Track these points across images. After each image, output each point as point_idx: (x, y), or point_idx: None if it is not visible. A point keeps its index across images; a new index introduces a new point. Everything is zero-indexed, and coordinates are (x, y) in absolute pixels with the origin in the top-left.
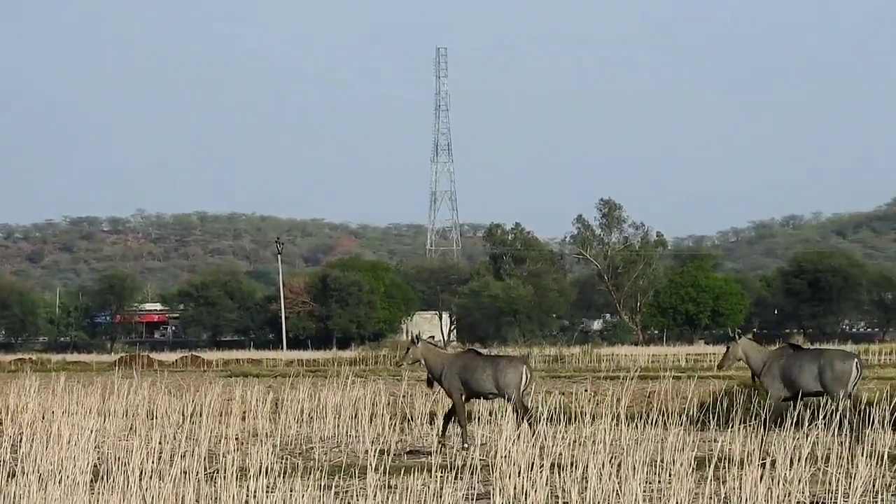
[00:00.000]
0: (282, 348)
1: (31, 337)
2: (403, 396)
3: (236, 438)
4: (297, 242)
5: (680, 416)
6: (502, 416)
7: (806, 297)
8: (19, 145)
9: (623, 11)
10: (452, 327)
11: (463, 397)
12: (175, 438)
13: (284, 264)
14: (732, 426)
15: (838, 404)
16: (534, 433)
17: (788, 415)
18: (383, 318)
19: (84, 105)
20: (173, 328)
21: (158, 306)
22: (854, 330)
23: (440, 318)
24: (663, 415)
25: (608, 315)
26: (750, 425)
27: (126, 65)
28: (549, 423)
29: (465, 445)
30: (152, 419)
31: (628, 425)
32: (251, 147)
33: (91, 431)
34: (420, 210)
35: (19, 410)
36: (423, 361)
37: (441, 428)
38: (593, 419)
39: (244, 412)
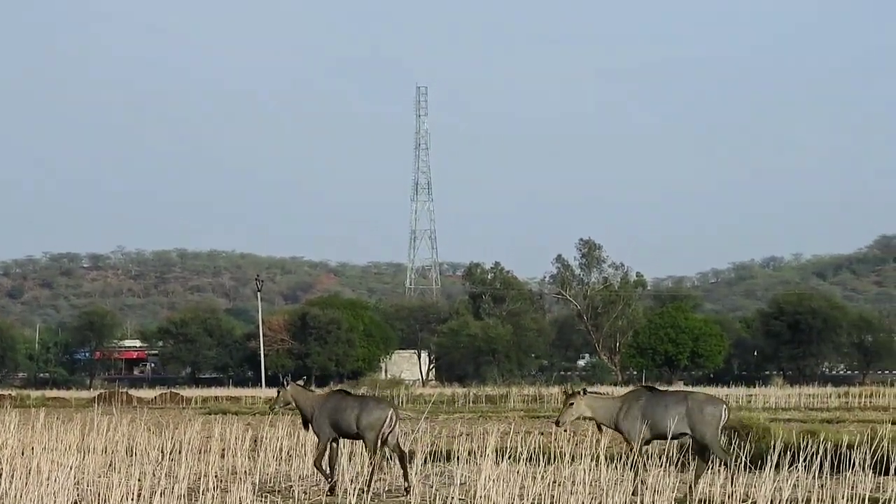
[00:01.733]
0: (261, 386)
1: (10, 373)
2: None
3: (216, 476)
4: (276, 280)
5: (660, 458)
6: (481, 456)
7: (786, 339)
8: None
9: (604, 55)
10: (431, 366)
11: (330, 439)
12: (154, 476)
13: (264, 302)
14: (713, 467)
15: (706, 448)
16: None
17: (768, 457)
18: (362, 357)
19: (63, 140)
20: (152, 365)
21: (138, 343)
22: (834, 372)
23: (419, 357)
24: (643, 456)
25: (588, 355)
26: (730, 467)
27: (105, 102)
28: (528, 464)
29: (329, 480)
30: (132, 456)
31: (608, 466)
32: (231, 184)
33: (70, 468)
34: (400, 249)
35: None
36: (293, 404)
37: (326, 470)
38: (573, 459)
39: (223, 450)
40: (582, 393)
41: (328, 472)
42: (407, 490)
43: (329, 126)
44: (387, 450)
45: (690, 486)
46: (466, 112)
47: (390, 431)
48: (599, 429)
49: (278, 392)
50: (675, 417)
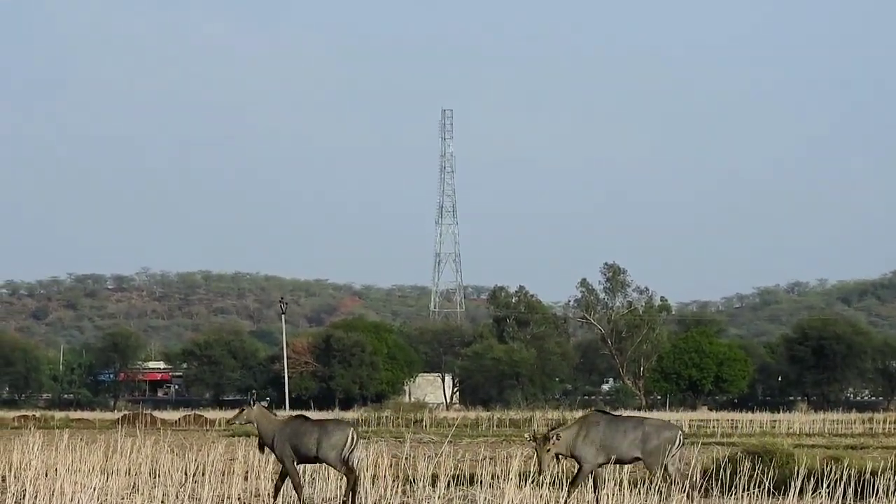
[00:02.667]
0: (284, 408)
1: (34, 394)
2: (406, 458)
3: (238, 499)
4: (300, 302)
5: (683, 483)
6: (504, 480)
7: (810, 365)
8: (25, 202)
9: (622, 78)
10: (455, 390)
11: (294, 462)
12: (177, 498)
13: (288, 324)
14: (736, 493)
15: (658, 475)
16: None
17: (791, 483)
18: (386, 380)
19: (90, 162)
20: (176, 387)
21: (162, 364)
22: (858, 398)
23: (443, 381)
24: (666, 481)
25: (612, 379)
26: (754, 492)
27: (133, 124)
28: (551, 488)
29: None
30: (155, 478)
31: (631, 491)
32: (256, 207)
33: (94, 489)
34: (424, 272)
35: (22, 467)
36: (255, 424)
37: (273, 492)
38: (595, 484)
39: (246, 472)
40: (555, 438)
41: (301, 492)
42: None
43: (353, 149)
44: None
45: None
46: (491, 135)
47: (350, 452)
48: (557, 458)
49: (242, 409)
50: (631, 442)
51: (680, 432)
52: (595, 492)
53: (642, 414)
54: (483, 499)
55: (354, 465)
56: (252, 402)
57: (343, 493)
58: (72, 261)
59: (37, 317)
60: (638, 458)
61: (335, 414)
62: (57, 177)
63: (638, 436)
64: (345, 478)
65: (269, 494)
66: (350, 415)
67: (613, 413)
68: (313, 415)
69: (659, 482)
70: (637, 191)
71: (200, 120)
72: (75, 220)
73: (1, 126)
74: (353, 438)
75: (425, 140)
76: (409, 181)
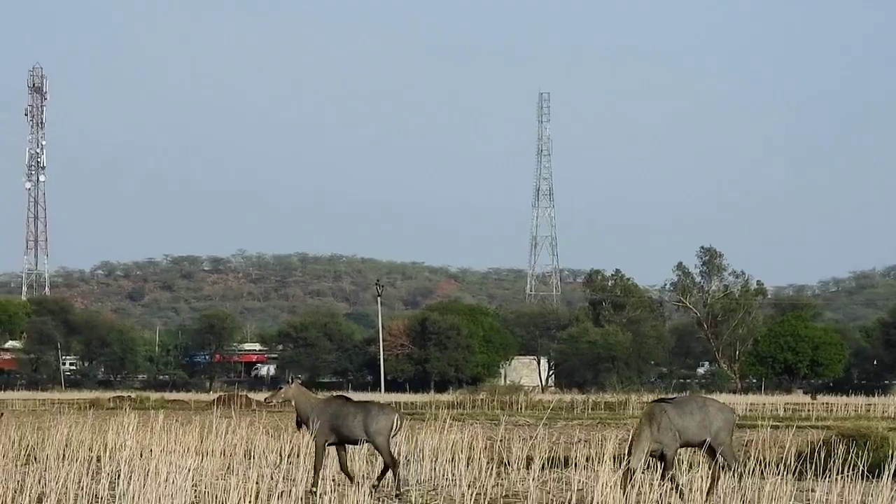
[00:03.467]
0: (380, 390)
1: (129, 374)
2: (501, 440)
3: (333, 479)
4: (396, 285)
5: (777, 466)
6: (599, 463)
7: None
8: (124, 183)
9: (731, 58)
10: (551, 372)
11: (327, 443)
12: (272, 479)
13: (384, 307)
14: (830, 476)
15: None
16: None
17: (885, 466)
18: (481, 362)
19: (187, 144)
20: (272, 368)
21: (257, 346)
22: None
23: (538, 363)
24: (760, 464)
25: (707, 363)
26: (848, 475)
27: (223, 106)
28: (646, 471)
29: (313, 490)
30: (249, 459)
31: (724, 473)
32: (352, 189)
33: (189, 470)
34: (520, 255)
35: (118, 448)
36: (293, 403)
37: (346, 475)
38: (690, 467)
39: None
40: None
41: (318, 474)
42: (375, 487)
43: (450, 132)
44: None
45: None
46: (588, 117)
47: (394, 436)
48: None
49: (280, 387)
50: (699, 423)
51: (735, 415)
52: (671, 481)
53: (737, 398)
54: (578, 481)
55: (394, 450)
56: (290, 380)
57: (377, 475)
58: (168, 242)
59: (132, 298)
60: (705, 441)
61: (430, 397)
62: (153, 160)
63: (705, 417)
64: (386, 460)
65: (342, 475)
66: (445, 397)
67: (672, 397)
68: (406, 398)
69: (724, 464)
70: (735, 174)
71: (295, 98)
72: (172, 202)
73: (106, 109)
74: (398, 423)
75: (523, 123)
76: (506, 165)
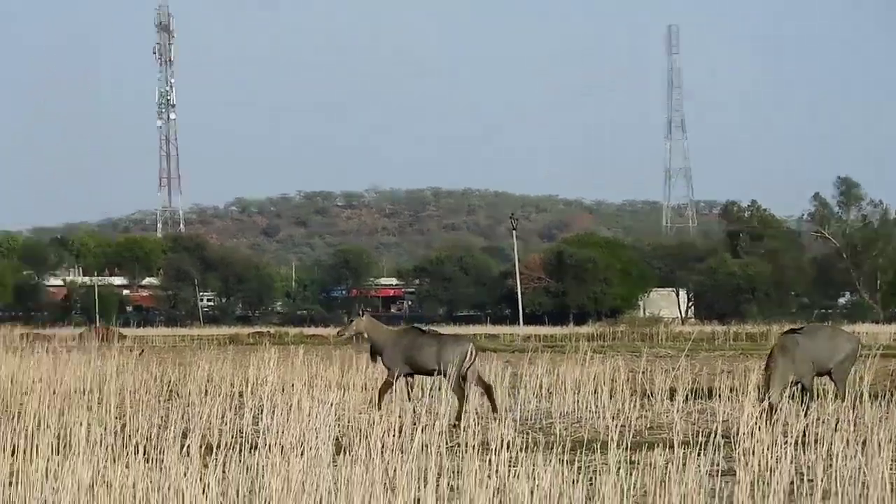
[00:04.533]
0: (518, 324)
1: (267, 310)
2: (643, 373)
3: (476, 412)
4: (531, 218)
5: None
6: (743, 394)
7: None
8: (254, 120)
9: None
10: (690, 304)
11: (400, 375)
12: (415, 412)
13: (519, 240)
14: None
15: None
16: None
17: None
18: (620, 295)
19: (318, 77)
20: (409, 303)
21: (394, 281)
22: None
23: (677, 296)
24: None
25: (848, 293)
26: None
27: (352, 44)
28: (791, 401)
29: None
30: (391, 393)
31: (872, 403)
32: (484, 122)
33: (331, 404)
34: (655, 187)
35: (259, 383)
36: (366, 335)
37: (378, 401)
38: (835, 397)
39: (487, 385)
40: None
41: (382, 400)
42: (496, 419)
43: (580, 65)
44: (467, 385)
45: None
46: (715, 49)
47: (469, 366)
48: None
49: (351, 320)
50: (829, 350)
51: (860, 344)
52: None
53: (880, 327)
54: (722, 412)
55: (483, 378)
56: (361, 313)
57: (453, 414)
58: (301, 178)
59: (267, 234)
60: (830, 369)
61: (569, 329)
62: (284, 94)
63: (835, 345)
64: (483, 393)
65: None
66: (585, 330)
67: (800, 328)
68: (545, 330)
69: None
70: (870, 103)
71: (429, 39)
72: (305, 137)
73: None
74: (472, 353)
75: (652, 54)
76: (638, 95)
